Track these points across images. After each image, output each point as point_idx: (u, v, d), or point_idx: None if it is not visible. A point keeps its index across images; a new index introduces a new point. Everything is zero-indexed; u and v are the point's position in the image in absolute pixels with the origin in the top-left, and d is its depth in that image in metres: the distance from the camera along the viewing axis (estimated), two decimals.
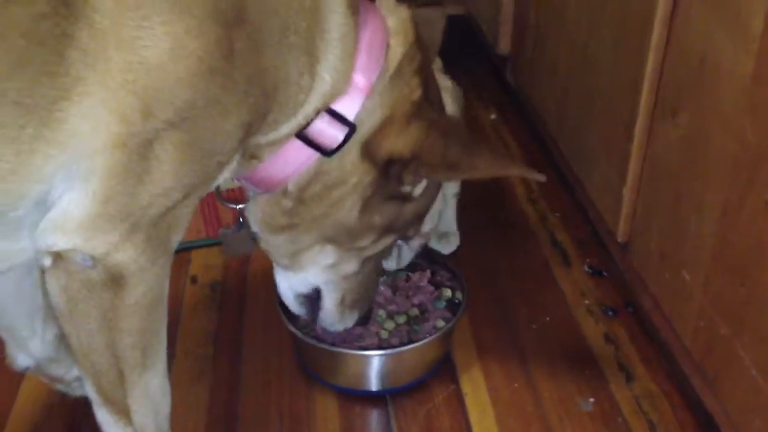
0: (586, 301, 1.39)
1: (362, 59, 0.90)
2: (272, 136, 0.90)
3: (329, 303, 1.11)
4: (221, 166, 0.85)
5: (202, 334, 1.35)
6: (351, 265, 1.07)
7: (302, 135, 0.90)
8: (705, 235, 0.92)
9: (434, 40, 1.12)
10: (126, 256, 0.78)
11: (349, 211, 0.99)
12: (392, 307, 1.31)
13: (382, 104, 0.93)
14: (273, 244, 1.05)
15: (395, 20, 0.95)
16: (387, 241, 1.05)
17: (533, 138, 1.81)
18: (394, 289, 1.34)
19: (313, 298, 1.12)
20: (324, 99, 0.88)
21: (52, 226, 0.75)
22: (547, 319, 1.36)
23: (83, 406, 0.89)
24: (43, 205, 0.75)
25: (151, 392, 0.89)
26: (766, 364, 0.81)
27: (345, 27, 0.87)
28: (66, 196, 0.74)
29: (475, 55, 2.19)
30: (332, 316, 1.13)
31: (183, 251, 1.53)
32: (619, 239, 1.18)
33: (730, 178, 0.86)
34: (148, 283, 0.81)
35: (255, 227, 1.05)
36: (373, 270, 1.13)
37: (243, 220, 1.09)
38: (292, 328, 1.21)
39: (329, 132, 0.90)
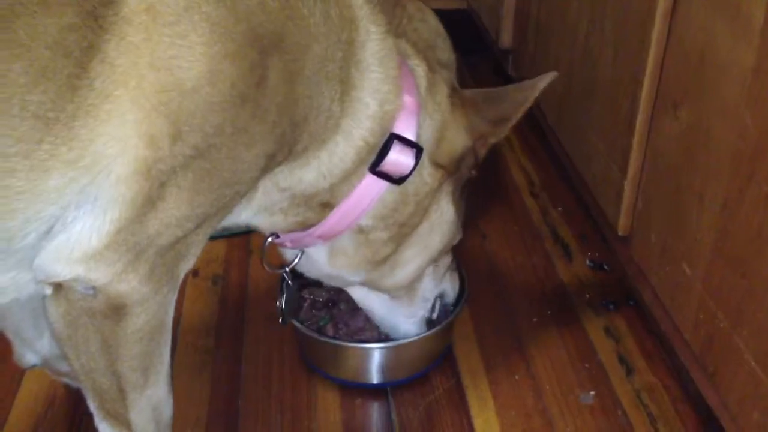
0: (587, 295, 1.39)
1: (404, 81, 0.90)
2: (343, 184, 0.90)
3: (450, 293, 1.22)
4: (238, 196, 0.82)
5: (203, 327, 1.35)
6: (448, 258, 1.16)
7: (376, 170, 0.90)
8: (705, 227, 0.92)
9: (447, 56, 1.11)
10: (129, 286, 0.74)
11: (447, 209, 1.04)
12: None
13: (432, 115, 0.95)
14: (376, 280, 1.09)
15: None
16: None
17: (536, 132, 1.81)
18: None
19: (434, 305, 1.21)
20: (377, 125, 0.88)
21: (54, 255, 0.71)
22: (548, 312, 1.36)
23: (85, 400, 0.88)
24: (48, 237, 0.70)
25: (153, 405, 0.87)
26: (766, 357, 0.82)
27: (383, 51, 0.87)
28: (78, 223, 0.70)
29: (478, 49, 2.19)
30: (452, 295, 1.23)
31: None
32: (620, 232, 1.18)
33: (731, 170, 0.86)
34: (150, 312, 0.78)
35: (351, 276, 1.07)
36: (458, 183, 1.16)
37: (289, 282, 1.14)
38: (295, 322, 1.21)
39: (402, 159, 0.91)
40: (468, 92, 1.00)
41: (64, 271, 0.71)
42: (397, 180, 0.93)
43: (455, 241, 1.13)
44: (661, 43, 1.01)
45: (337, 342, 1.21)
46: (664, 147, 1.03)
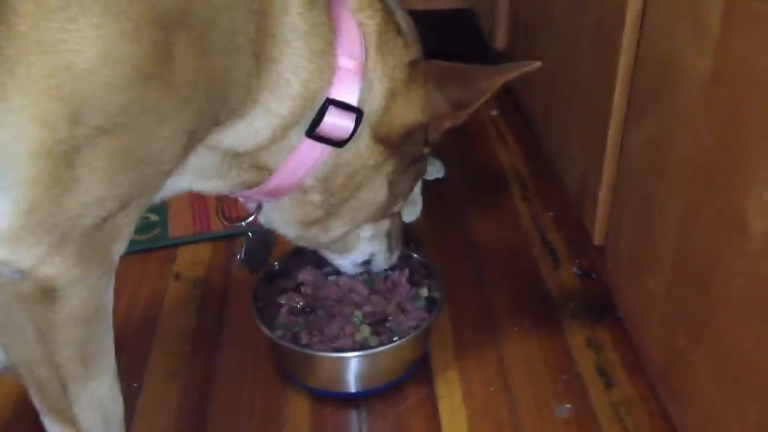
0: (572, 304, 1.35)
1: (344, 43, 0.87)
2: (279, 144, 0.88)
3: (380, 257, 1.22)
4: (163, 174, 0.82)
5: (180, 331, 1.35)
6: (386, 223, 1.16)
7: (313, 134, 0.89)
8: (667, 242, 0.89)
9: None
10: (55, 269, 0.74)
11: (378, 191, 1.02)
12: (368, 308, 1.29)
13: (379, 80, 0.91)
14: (310, 238, 1.10)
15: None
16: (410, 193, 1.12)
17: (532, 134, 1.77)
18: (372, 289, 1.33)
19: (369, 260, 1.22)
20: (300, 102, 0.86)
21: None
22: (531, 321, 1.33)
23: None
24: None
25: (98, 401, 0.86)
26: (722, 378, 0.78)
27: (306, 24, 0.84)
28: None
29: (477, 49, 2.16)
30: (385, 262, 1.24)
31: (169, 247, 1.53)
32: (596, 242, 1.15)
33: (689, 183, 0.83)
34: (82, 295, 0.78)
35: (285, 230, 1.08)
36: (399, 214, 1.18)
37: (253, 234, 1.13)
38: (266, 331, 1.20)
39: (339, 123, 0.89)
40: (434, 65, 0.95)
41: None
42: (340, 143, 0.91)
43: (389, 213, 1.12)
44: (632, 50, 0.98)
45: (308, 351, 1.20)
46: (633, 156, 1.00)
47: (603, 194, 1.09)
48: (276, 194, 0.99)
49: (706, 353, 0.81)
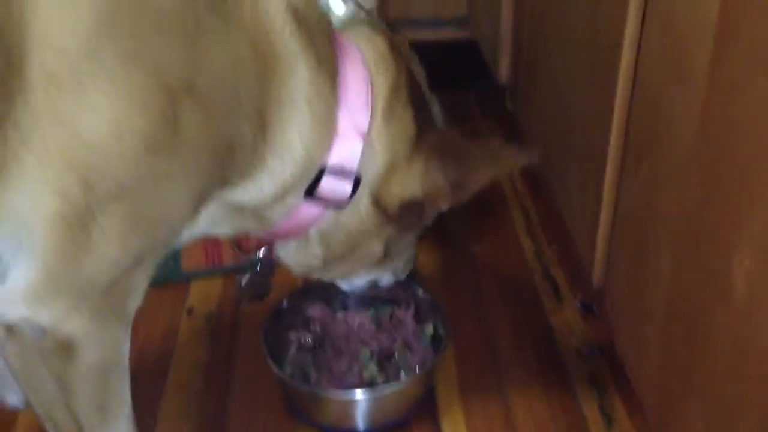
0: (574, 340, 1.37)
1: (349, 107, 0.88)
2: (280, 202, 0.91)
3: (385, 279, 1.23)
4: (174, 233, 0.85)
5: (194, 366, 1.38)
6: (393, 259, 1.14)
7: (312, 195, 0.91)
8: (660, 290, 0.91)
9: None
10: (75, 326, 0.79)
11: (376, 251, 1.05)
12: (375, 345, 1.32)
13: (381, 148, 0.92)
14: (313, 275, 1.13)
15: (373, 53, 0.94)
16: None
17: (535, 167, 1.79)
18: (378, 326, 1.36)
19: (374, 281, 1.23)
20: (301, 165, 0.87)
21: (2, 298, 0.77)
22: (534, 359, 1.35)
23: None
24: None
25: None
26: (713, 428, 0.80)
27: (311, 89, 0.86)
28: (14, 268, 0.75)
29: (481, 80, 2.19)
30: (391, 281, 1.24)
31: (182, 282, 1.57)
32: (595, 284, 1.17)
33: (679, 236, 0.85)
34: (99, 350, 0.82)
35: (290, 266, 1.10)
36: (407, 238, 1.14)
37: (261, 266, 1.16)
38: (277, 371, 1.22)
39: (338, 187, 0.90)
40: (438, 140, 0.95)
41: (11, 313, 0.77)
42: (339, 205, 0.93)
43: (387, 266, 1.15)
44: (627, 97, 1.00)
45: (317, 390, 1.23)
46: (629, 201, 1.02)
47: (601, 236, 1.11)
48: (282, 238, 1.03)
49: (697, 401, 0.83)
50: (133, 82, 0.72)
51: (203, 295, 1.55)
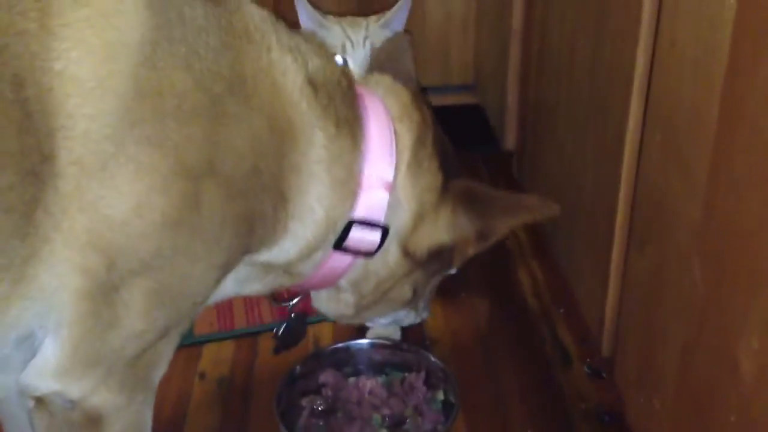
0: (583, 405, 1.39)
1: (373, 160, 0.91)
2: (308, 259, 0.94)
3: (407, 320, 1.27)
4: (198, 305, 0.88)
5: None
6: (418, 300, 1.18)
7: (341, 247, 0.94)
8: (670, 366, 0.94)
9: (409, 69, 1.13)
10: (102, 398, 0.81)
11: (405, 294, 1.09)
12: (386, 410, 1.34)
13: (408, 199, 0.95)
14: (346, 321, 1.20)
15: (397, 105, 0.97)
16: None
17: (542, 233, 1.83)
18: (390, 391, 1.37)
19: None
20: (323, 228, 0.91)
21: (33, 372, 0.80)
22: (543, 423, 1.36)
23: None
24: (30, 351, 0.80)
25: None
26: None
27: (331, 156, 0.89)
28: (45, 343, 0.79)
29: (489, 144, 2.23)
30: (413, 321, 1.29)
31: (194, 345, 1.59)
32: (604, 354, 1.19)
33: (686, 318, 0.88)
34: (125, 420, 0.85)
35: (325, 311, 1.15)
36: (435, 279, 1.18)
37: (295, 314, 1.20)
38: None
39: (366, 238, 0.94)
40: (464, 188, 0.99)
41: (42, 386, 0.80)
42: (368, 254, 0.96)
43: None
44: (630, 181, 1.04)
45: None
46: (636, 280, 1.06)
47: (609, 311, 1.14)
48: (314, 289, 1.07)
49: None
50: (155, 165, 0.76)
51: (215, 359, 1.56)
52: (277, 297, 1.20)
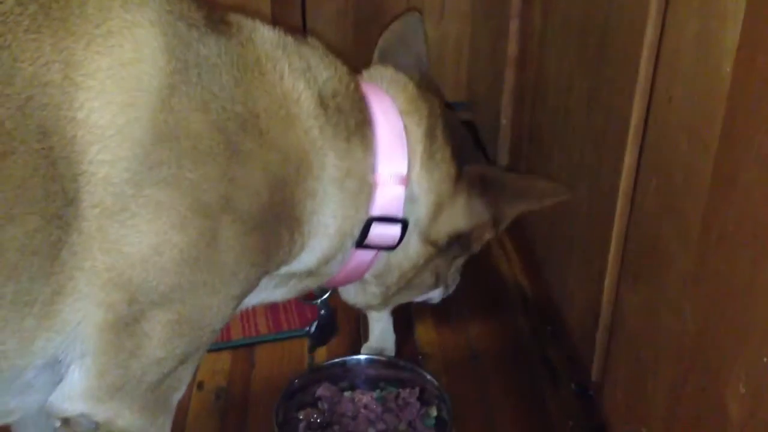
0: (571, 423, 1.44)
1: (386, 158, 0.94)
2: (330, 262, 0.99)
3: (435, 296, 1.32)
4: (216, 332, 0.92)
5: None
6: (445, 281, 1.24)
7: (362, 245, 0.98)
8: (659, 399, 0.99)
9: (420, 50, 1.16)
10: (126, 421, 0.86)
11: (428, 280, 1.14)
12: (381, 425, 1.38)
13: (424, 191, 0.99)
14: (375, 309, 1.25)
15: (403, 98, 0.99)
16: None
17: (533, 252, 1.87)
18: (384, 406, 1.42)
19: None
20: (338, 238, 0.95)
21: (61, 395, 0.85)
22: None
23: None
24: (56, 374, 0.84)
25: None
26: None
27: (342, 173, 0.92)
28: (71, 370, 0.83)
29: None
30: (439, 298, 1.33)
31: None
32: (593, 378, 1.24)
33: (675, 357, 0.93)
34: None
35: (354, 304, 1.21)
36: (457, 262, 1.23)
37: (324, 311, 1.26)
38: None
39: (386, 233, 0.98)
40: (479, 173, 1.01)
41: (69, 409, 0.85)
42: (394, 247, 1.01)
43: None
44: (623, 221, 1.09)
45: None
46: (626, 312, 1.11)
47: (600, 338, 1.19)
48: (340, 285, 1.12)
49: None
50: (173, 204, 0.79)
51: (212, 369, 1.59)
52: (306, 295, 1.24)
